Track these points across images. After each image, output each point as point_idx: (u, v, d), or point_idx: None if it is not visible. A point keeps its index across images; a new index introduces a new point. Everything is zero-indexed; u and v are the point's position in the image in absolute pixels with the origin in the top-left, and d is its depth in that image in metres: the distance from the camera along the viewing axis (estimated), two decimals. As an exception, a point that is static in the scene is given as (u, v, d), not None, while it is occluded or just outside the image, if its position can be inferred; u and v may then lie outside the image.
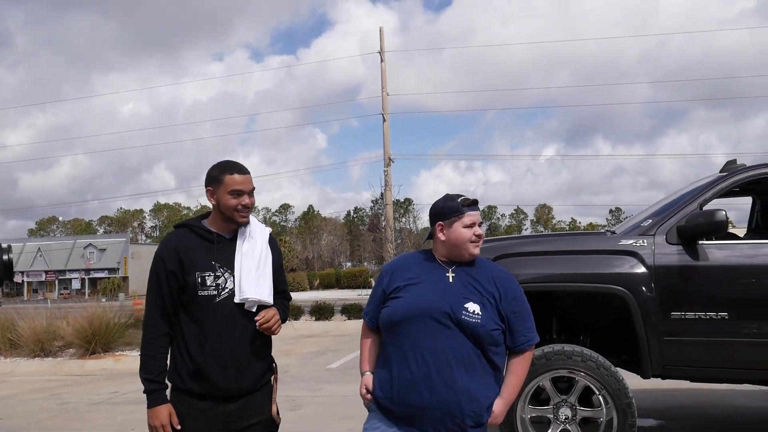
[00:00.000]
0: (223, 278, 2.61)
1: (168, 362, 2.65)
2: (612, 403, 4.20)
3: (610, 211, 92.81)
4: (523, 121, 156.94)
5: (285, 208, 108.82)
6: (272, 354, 2.80)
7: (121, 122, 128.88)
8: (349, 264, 74.93)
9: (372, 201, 43.38)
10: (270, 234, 2.82)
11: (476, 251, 2.54)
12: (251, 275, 2.63)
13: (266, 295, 2.66)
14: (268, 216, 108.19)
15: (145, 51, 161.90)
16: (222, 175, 2.66)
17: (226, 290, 2.60)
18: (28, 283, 67.82)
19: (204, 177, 2.75)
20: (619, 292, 4.35)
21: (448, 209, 2.56)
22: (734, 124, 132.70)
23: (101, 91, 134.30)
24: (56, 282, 67.83)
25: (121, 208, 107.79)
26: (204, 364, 2.56)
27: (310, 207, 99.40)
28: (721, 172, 4.91)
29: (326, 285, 54.23)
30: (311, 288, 53.18)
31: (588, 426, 4.44)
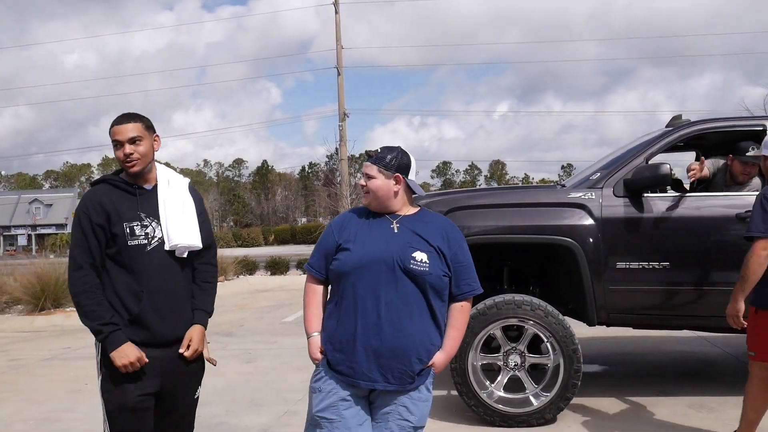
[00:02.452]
0: (151, 227, 2.65)
1: None
2: (559, 349, 4.36)
3: (562, 167, 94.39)
4: (476, 76, 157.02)
5: (239, 162, 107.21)
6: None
7: (64, 73, 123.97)
8: (304, 219, 74.73)
9: (327, 156, 43.01)
10: (189, 184, 2.88)
11: (364, 201, 2.59)
12: (177, 222, 2.69)
13: (195, 239, 2.73)
14: (221, 171, 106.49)
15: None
16: (109, 130, 2.67)
17: (156, 239, 2.65)
18: (-29, 239, 65.63)
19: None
20: (567, 243, 4.48)
21: None
22: (680, 83, 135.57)
23: (41, 39, 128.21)
24: (1, 238, 65.76)
25: (67, 162, 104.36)
26: (143, 313, 2.59)
27: (265, 162, 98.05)
28: (666, 127, 5.04)
29: (281, 240, 53.96)
30: (266, 243, 52.92)
31: (536, 372, 4.62)
